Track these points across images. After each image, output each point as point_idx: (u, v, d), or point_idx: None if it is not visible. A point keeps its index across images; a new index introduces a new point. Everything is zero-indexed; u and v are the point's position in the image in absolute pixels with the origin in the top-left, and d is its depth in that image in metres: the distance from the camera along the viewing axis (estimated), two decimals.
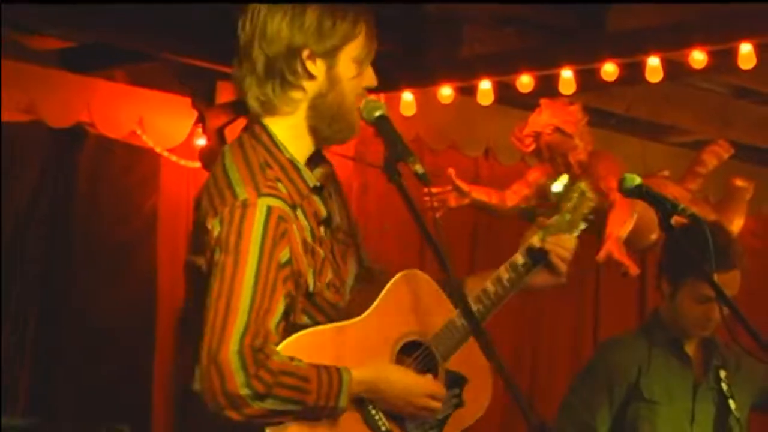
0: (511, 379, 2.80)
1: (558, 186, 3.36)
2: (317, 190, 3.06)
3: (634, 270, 5.68)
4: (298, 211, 3.00)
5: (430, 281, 3.14)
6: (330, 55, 3.03)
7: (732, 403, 4.41)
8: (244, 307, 2.87)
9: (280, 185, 2.99)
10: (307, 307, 3.02)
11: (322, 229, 3.06)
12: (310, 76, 3.03)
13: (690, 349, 4.43)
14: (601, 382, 4.46)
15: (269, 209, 2.93)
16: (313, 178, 3.05)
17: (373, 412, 3.02)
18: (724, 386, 4.42)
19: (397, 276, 3.10)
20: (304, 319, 3.02)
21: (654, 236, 5.69)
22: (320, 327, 3.00)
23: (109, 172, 6.38)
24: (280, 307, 2.92)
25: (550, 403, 4.67)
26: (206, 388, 2.83)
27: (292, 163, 3.03)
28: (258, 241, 2.91)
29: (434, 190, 5.65)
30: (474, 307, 3.12)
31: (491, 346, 2.85)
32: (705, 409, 4.42)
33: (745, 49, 5.46)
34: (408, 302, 3.09)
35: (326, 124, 3.06)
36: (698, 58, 5.58)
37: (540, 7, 5.78)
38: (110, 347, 6.27)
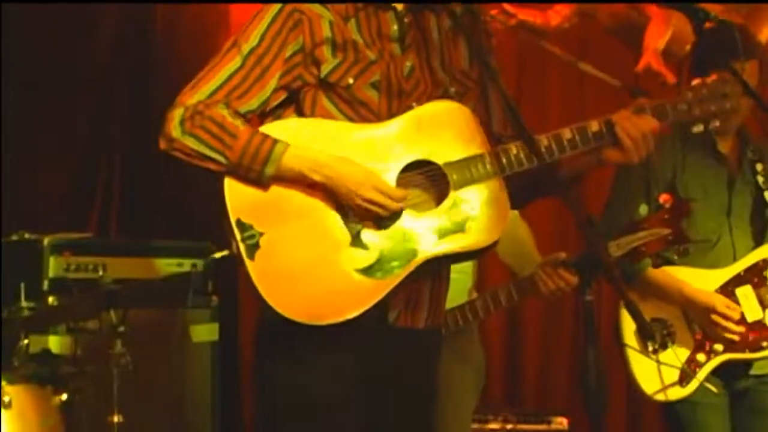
0: (570, 193, 2.98)
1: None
2: (388, 8, 3.11)
3: (671, 79, 5.84)
4: (351, 22, 3.10)
5: (472, 119, 3.08)
6: None
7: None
8: (217, 81, 3.03)
9: None
10: (335, 99, 3.07)
11: (393, 45, 3.12)
12: None
13: (724, 147, 4.55)
14: (638, 181, 4.54)
15: (282, 6, 3.07)
16: None
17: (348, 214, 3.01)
18: (760, 179, 4.53)
19: (439, 103, 3.09)
20: (332, 111, 3.07)
21: (689, 46, 5.72)
22: (319, 120, 3.05)
23: (184, 19, 6.37)
24: (262, 94, 3.04)
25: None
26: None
27: None
28: (261, 29, 3.06)
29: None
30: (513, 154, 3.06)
31: (554, 176, 2.97)
32: (741, 202, 4.53)
33: None
34: (438, 128, 3.03)
35: None
36: None
37: None
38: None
